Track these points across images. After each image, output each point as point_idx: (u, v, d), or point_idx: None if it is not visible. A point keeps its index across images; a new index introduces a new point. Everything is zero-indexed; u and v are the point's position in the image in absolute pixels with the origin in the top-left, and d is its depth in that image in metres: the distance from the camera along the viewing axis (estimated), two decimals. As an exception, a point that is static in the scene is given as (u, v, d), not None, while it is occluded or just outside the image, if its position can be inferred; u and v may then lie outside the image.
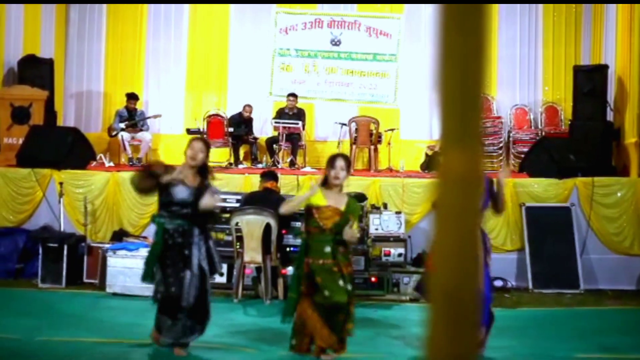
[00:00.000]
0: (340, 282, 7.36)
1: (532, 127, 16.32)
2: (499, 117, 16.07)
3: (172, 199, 7.45)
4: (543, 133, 15.89)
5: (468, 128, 1.48)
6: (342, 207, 7.46)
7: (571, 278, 12.00)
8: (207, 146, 7.91)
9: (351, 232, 7.39)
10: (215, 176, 8.41)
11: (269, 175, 11.72)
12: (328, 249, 7.38)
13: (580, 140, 13.89)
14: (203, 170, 7.74)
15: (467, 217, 1.51)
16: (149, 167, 7.84)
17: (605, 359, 8.35)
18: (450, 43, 1.47)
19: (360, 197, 12.00)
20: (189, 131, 15.17)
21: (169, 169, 7.57)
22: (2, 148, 14.45)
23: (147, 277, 7.57)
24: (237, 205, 11.44)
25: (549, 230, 12.31)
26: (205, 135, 15.40)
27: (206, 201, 7.47)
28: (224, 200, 11.84)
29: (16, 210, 13.08)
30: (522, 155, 14.97)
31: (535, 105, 16.78)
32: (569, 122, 15.15)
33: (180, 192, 7.44)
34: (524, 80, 17.01)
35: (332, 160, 7.58)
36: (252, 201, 11.10)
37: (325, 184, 7.55)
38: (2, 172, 13.25)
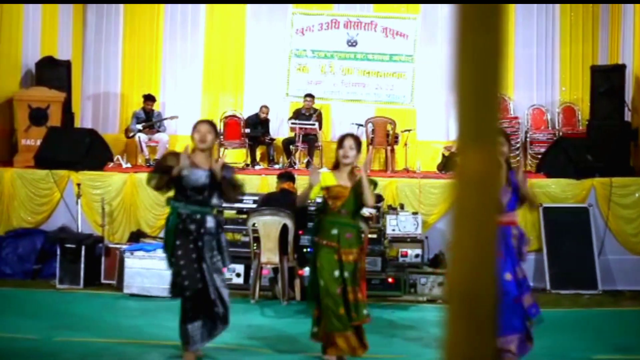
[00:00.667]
0: (336, 273, 7.22)
1: (550, 128, 16.25)
2: (516, 118, 16.01)
3: (187, 185, 7.26)
4: (560, 133, 15.83)
5: (485, 129, 1.47)
6: (351, 185, 7.39)
7: (589, 279, 11.95)
8: (214, 127, 7.73)
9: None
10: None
11: (286, 176, 11.73)
12: (335, 231, 7.30)
13: (597, 140, 13.83)
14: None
15: (484, 217, 1.51)
16: (161, 163, 7.64)
17: (623, 360, 8.32)
18: (467, 43, 1.47)
19: (377, 198, 12.01)
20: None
21: (179, 157, 7.34)
22: (20, 149, 14.51)
23: (169, 264, 7.43)
24: (254, 206, 11.46)
25: (566, 231, 12.26)
26: (221, 137, 15.45)
27: (215, 168, 7.28)
28: (240, 201, 11.89)
29: (34, 212, 13.14)
30: (540, 156, 14.91)
31: (552, 105, 16.72)
32: (587, 122, 15.10)
33: (194, 178, 7.25)
34: (541, 81, 16.95)
35: (340, 140, 7.56)
36: (269, 202, 11.11)
37: (337, 166, 7.53)
38: (20, 174, 13.31)
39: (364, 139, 15.71)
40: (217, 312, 7.32)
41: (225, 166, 7.48)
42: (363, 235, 10.45)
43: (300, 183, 11.91)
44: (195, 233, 7.25)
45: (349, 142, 7.44)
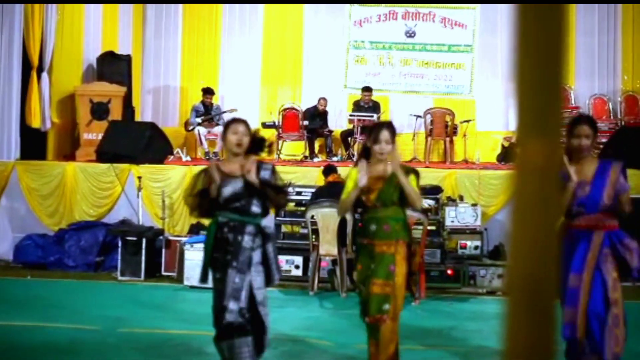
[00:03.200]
0: (372, 265, 6.38)
1: (612, 117, 16.01)
2: (577, 107, 15.78)
3: (222, 198, 6.29)
4: (623, 123, 15.59)
5: (547, 119, 1.46)
6: (386, 175, 6.47)
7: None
8: (248, 127, 6.59)
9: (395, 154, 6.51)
10: (269, 148, 6.77)
11: (329, 169, 11.86)
12: (373, 227, 6.45)
13: (661, 129, 13.60)
14: (255, 148, 6.50)
15: (544, 209, 1.49)
16: (196, 191, 6.51)
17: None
18: (528, 34, 1.45)
19: (436, 190, 11.96)
20: (264, 125, 15.30)
21: (210, 173, 6.45)
22: (82, 143, 14.75)
23: (203, 279, 6.54)
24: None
25: (629, 223, 12.05)
26: (280, 130, 15.50)
27: (250, 177, 6.26)
28: (299, 193, 11.92)
29: (96, 205, 13.34)
30: (602, 146, 14.69)
31: (614, 94, 16.47)
32: (650, 112, 14.85)
33: (231, 190, 6.32)
34: (602, 70, 16.71)
35: (376, 133, 6.55)
36: (319, 196, 11.14)
37: (368, 158, 6.59)
38: (82, 167, 13.52)
39: (422, 131, 15.68)
40: (228, 320, 6.22)
41: (261, 166, 6.45)
42: (422, 227, 10.38)
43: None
44: (233, 243, 6.30)
45: (384, 136, 6.45)
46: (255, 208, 6.38)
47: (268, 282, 6.43)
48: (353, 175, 6.58)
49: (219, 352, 6.39)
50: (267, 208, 6.55)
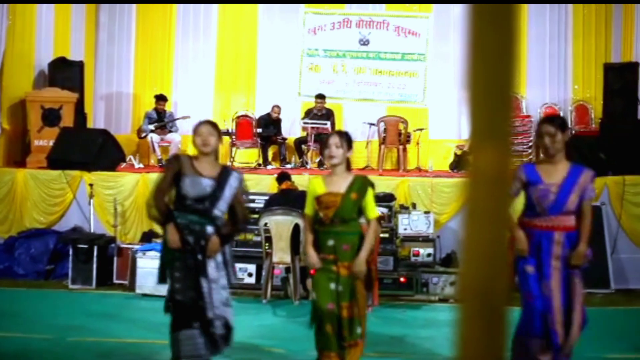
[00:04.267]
0: (332, 285, 6.49)
1: (562, 126, 16.18)
2: (528, 116, 15.97)
3: (187, 194, 6.45)
4: (573, 132, 15.78)
5: (498, 127, 1.47)
6: (343, 190, 6.54)
7: (601, 278, 11.90)
8: (217, 128, 6.77)
9: (358, 263, 6.51)
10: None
11: (282, 177, 11.86)
12: (331, 243, 6.52)
13: (610, 138, 13.77)
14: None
15: (497, 215, 1.50)
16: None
17: (636, 359, 8.28)
18: (479, 41, 1.46)
19: (389, 197, 12.00)
20: (217, 132, 15.24)
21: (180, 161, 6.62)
22: (33, 150, 14.58)
23: (162, 279, 6.67)
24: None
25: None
26: (233, 137, 15.47)
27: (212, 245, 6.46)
28: (252, 201, 11.89)
29: (47, 212, 13.20)
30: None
31: (565, 103, 16.69)
32: (600, 121, 15.05)
33: (198, 187, 6.45)
34: (553, 79, 16.93)
35: (326, 139, 6.78)
36: (273, 204, 11.13)
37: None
38: (33, 174, 13.37)
39: (375, 139, 15.75)
40: (214, 332, 6.53)
41: (230, 173, 6.69)
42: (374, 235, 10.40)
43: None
44: (194, 245, 6.44)
45: (334, 140, 6.58)
46: (217, 211, 6.51)
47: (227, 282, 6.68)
48: (313, 186, 6.69)
49: (174, 344, 6.51)
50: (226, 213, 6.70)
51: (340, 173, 6.64)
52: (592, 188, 6.28)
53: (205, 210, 6.48)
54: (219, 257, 6.56)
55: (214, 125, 6.78)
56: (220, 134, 6.79)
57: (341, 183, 6.58)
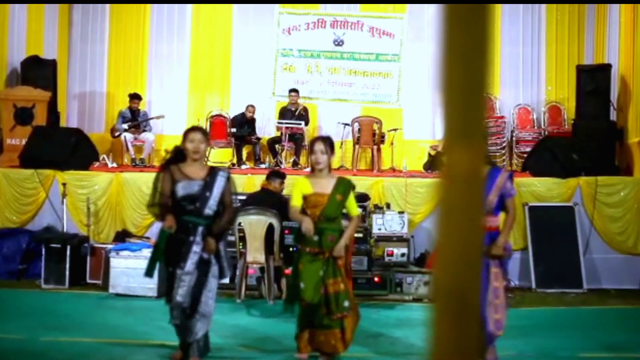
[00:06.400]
0: (320, 273, 7.16)
1: (535, 127, 16.30)
2: (501, 117, 16.05)
3: (178, 197, 6.99)
4: (546, 132, 15.88)
5: (471, 127, 1.48)
6: (329, 191, 7.28)
7: (574, 277, 12.00)
8: (206, 135, 7.50)
9: (338, 249, 7.24)
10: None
11: (274, 174, 11.65)
12: (316, 238, 7.21)
13: (583, 139, 13.89)
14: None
15: (470, 215, 1.51)
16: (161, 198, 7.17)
17: (608, 357, 8.34)
18: (453, 42, 1.47)
19: (363, 197, 12.01)
20: (191, 132, 15.19)
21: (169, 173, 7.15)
22: (5, 149, 14.47)
23: (148, 272, 7.16)
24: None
25: (552, 230, 12.31)
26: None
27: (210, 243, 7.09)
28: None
29: (19, 211, 13.11)
30: (525, 155, 14.95)
31: (538, 104, 16.78)
32: (572, 122, 15.15)
33: (185, 188, 7.00)
34: (527, 80, 17.00)
35: (311, 145, 7.50)
36: (250, 203, 11.10)
37: (313, 171, 7.50)
38: (5, 173, 13.27)
39: (350, 139, 15.77)
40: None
41: (217, 173, 7.31)
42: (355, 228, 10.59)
43: (287, 182, 11.90)
44: (184, 240, 7.00)
45: (319, 147, 7.32)
46: (208, 210, 7.09)
47: (221, 276, 7.36)
48: (300, 185, 7.38)
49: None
50: (219, 211, 7.21)
51: (324, 175, 7.38)
52: (512, 186, 6.99)
53: (198, 210, 7.03)
54: (205, 255, 7.07)
55: (203, 132, 7.51)
56: (208, 139, 7.54)
57: (326, 184, 7.32)
